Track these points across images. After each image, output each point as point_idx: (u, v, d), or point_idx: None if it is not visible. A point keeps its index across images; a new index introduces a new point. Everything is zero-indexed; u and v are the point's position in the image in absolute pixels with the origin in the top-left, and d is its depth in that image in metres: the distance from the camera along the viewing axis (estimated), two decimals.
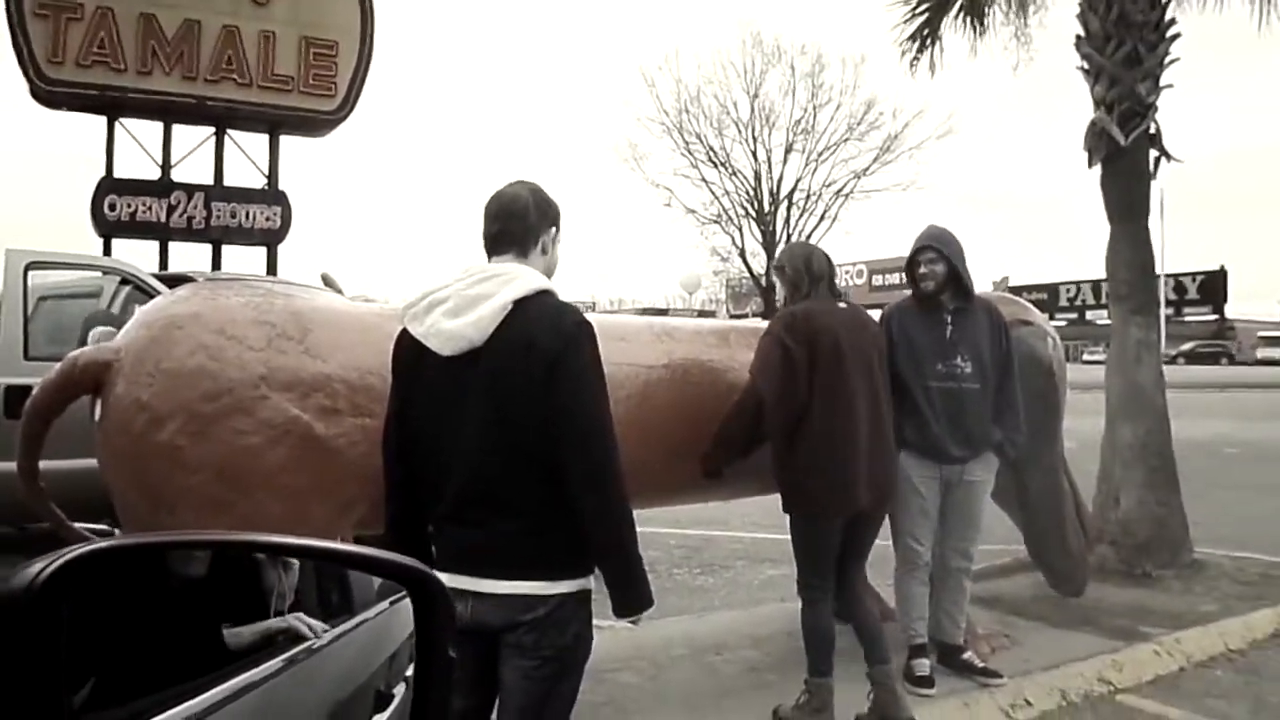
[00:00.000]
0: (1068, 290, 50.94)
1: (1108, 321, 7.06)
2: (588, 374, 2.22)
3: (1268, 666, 4.70)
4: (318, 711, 1.16)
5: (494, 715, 2.34)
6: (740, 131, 30.97)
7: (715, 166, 31.02)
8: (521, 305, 2.21)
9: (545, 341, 2.18)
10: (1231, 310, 57.11)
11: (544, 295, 2.26)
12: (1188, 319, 53.43)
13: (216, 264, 15.37)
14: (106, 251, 14.07)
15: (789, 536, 3.79)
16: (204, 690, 0.98)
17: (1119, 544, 6.28)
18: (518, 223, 2.36)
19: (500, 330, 2.19)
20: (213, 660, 1.03)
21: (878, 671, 3.72)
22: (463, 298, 2.23)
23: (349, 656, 1.25)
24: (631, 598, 2.25)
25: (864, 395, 3.63)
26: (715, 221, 31.63)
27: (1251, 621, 5.23)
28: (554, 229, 2.43)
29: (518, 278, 2.25)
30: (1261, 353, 58.45)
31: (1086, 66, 6.86)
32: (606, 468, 2.20)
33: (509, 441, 2.20)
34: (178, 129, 15.64)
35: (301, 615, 1.15)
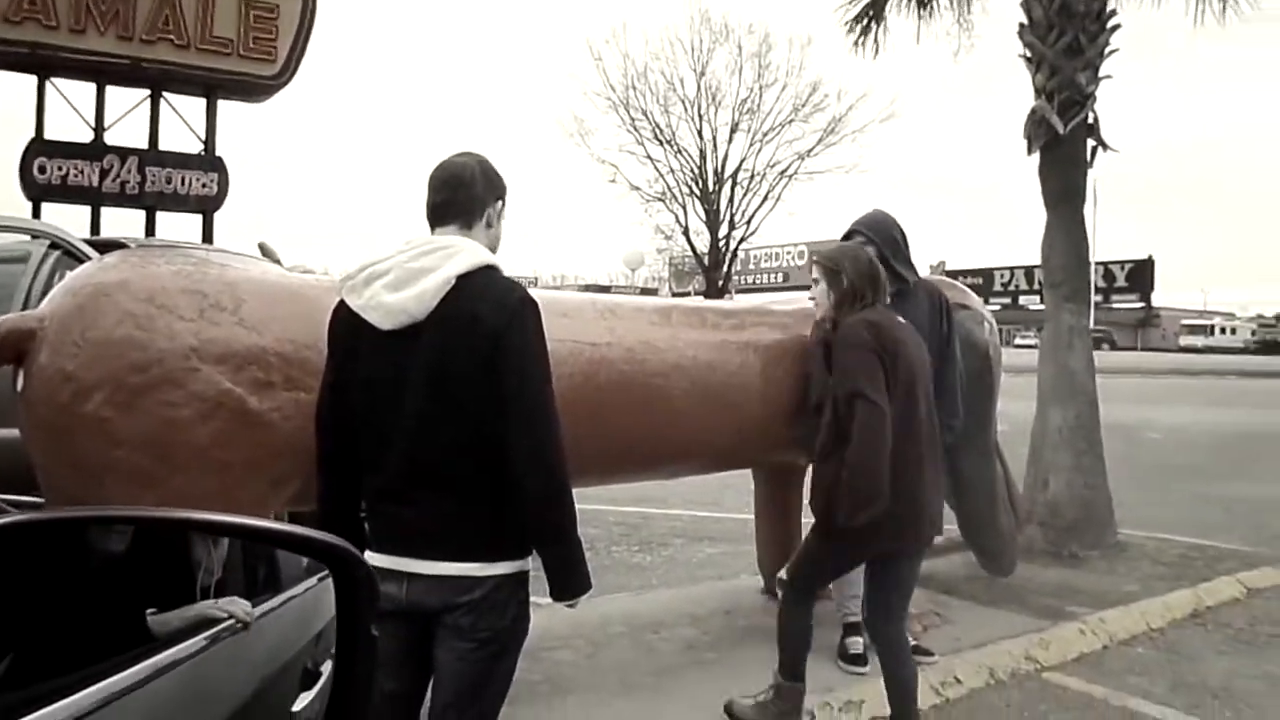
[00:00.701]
0: (1002, 275, 51.93)
1: (1040, 307, 7.20)
2: (531, 351, 2.18)
3: (1186, 645, 4.86)
4: (244, 689, 1.13)
5: (428, 698, 2.32)
6: (686, 109, 30.91)
7: (661, 144, 30.94)
8: (465, 280, 2.16)
9: (489, 318, 2.14)
10: (1158, 299, 58.72)
11: (488, 270, 2.21)
12: (1116, 306, 54.83)
13: (151, 231, 14.97)
14: (36, 215, 13.60)
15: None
16: (125, 668, 0.95)
17: (1047, 525, 6.44)
18: (464, 193, 2.31)
19: (442, 305, 2.14)
20: (136, 638, 1.00)
21: None
22: (405, 270, 2.18)
23: (276, 634, 1.22)
24: (570, 581, 2.23)
25: (927, 422, 3.35)
26: (659, 199, 31.59)
27: (1171, 601, 5.40)
28: (500, 202, 2.38)
29: (461, 251, 2.20)
30: (1184, 340, 60.32)
31: (1028, 55, 6.96)
32: (549, 447, 2.16)
33: (449, 420, 2.16)
34: (112, 90, 15.17)
35: (233, 600, 1.12)
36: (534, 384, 2.17)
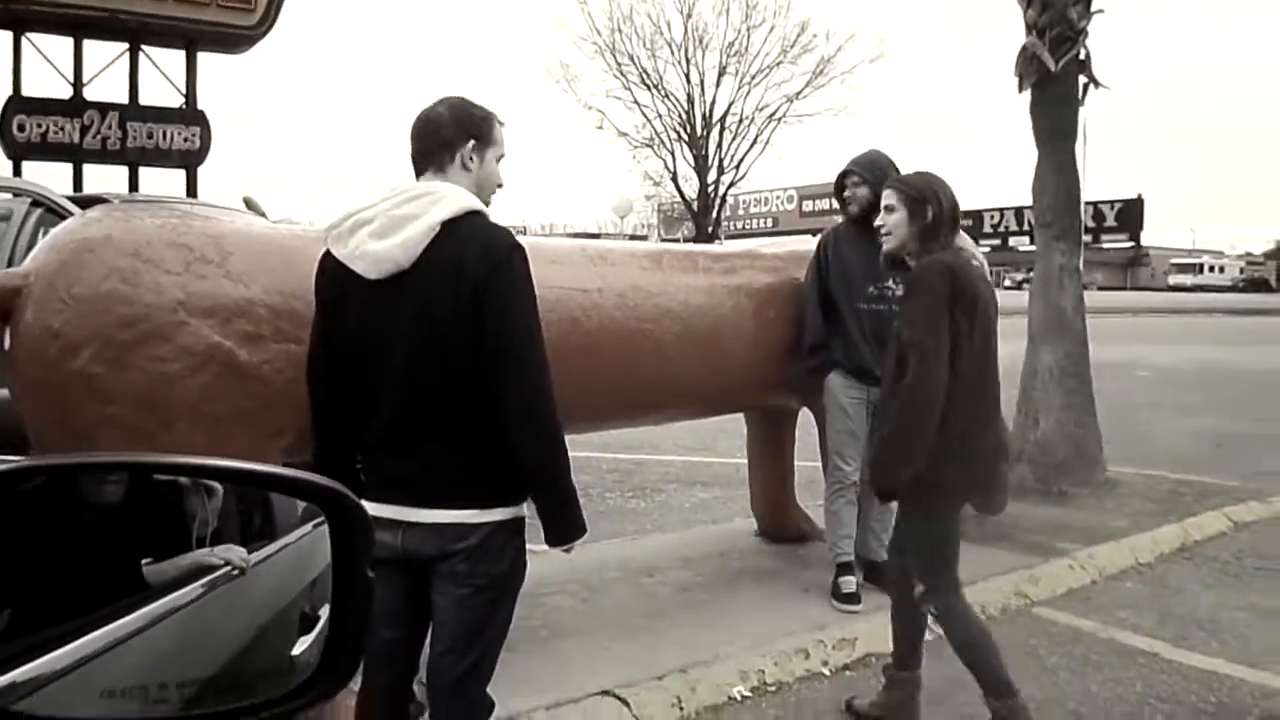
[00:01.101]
0: (992, 217, 51.81)
1: (1030, 249, 7.19)
2: (520, 298, 2.16)
3: (1173, 578, 4.93)
4: (241, 636, 1.14)
5: (427, 645, 2.34)
6: (673, 53, 30.62)
7: (648, 89, 30.69)
8: (450, 226, 2.13)
9: (475, 265, 2.11)
10: (1147, 238, 58.71)
11: (473, 216, 2.18)
12: (1105, 246, 54.80)
13: (134, 186, 14.84)
14: (17, 173, 13.45)
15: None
16: (121, 616, 0.96)
17: (1037, 463, 6.49)
18: (433, 139, 2.27)
19: (428, 252, 2.12)
20: (132, 589, 1.01)
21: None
22: (389, 218, 2.15)
23: (272, 580, 1.23)
24: (565, 527, 2.24)
25: (995, 376, 3.15)
26: (647, 145, 31.39)
27: (1159, 536, 5.47)
28: (473, 141, 2.28)
29: (445, 197, 2.17)
30: (1173, 279, 60.45)
31: None
32: (540, 394, 2.16)
33: (438, 368, 2.15)
34: (89, 45, 14.93)
35: (228, 548, 1.12)
36: (522, 331, 2.15)
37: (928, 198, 3.09)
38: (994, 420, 3.09)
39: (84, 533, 1.04)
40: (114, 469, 1.09)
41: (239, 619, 1.14)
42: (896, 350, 3.06)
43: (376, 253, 2.15)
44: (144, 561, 1.04)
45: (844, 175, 4.35)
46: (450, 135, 2.27)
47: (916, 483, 2.97)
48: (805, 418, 4.90)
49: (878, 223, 3.27)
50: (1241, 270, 65.14)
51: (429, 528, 2.16)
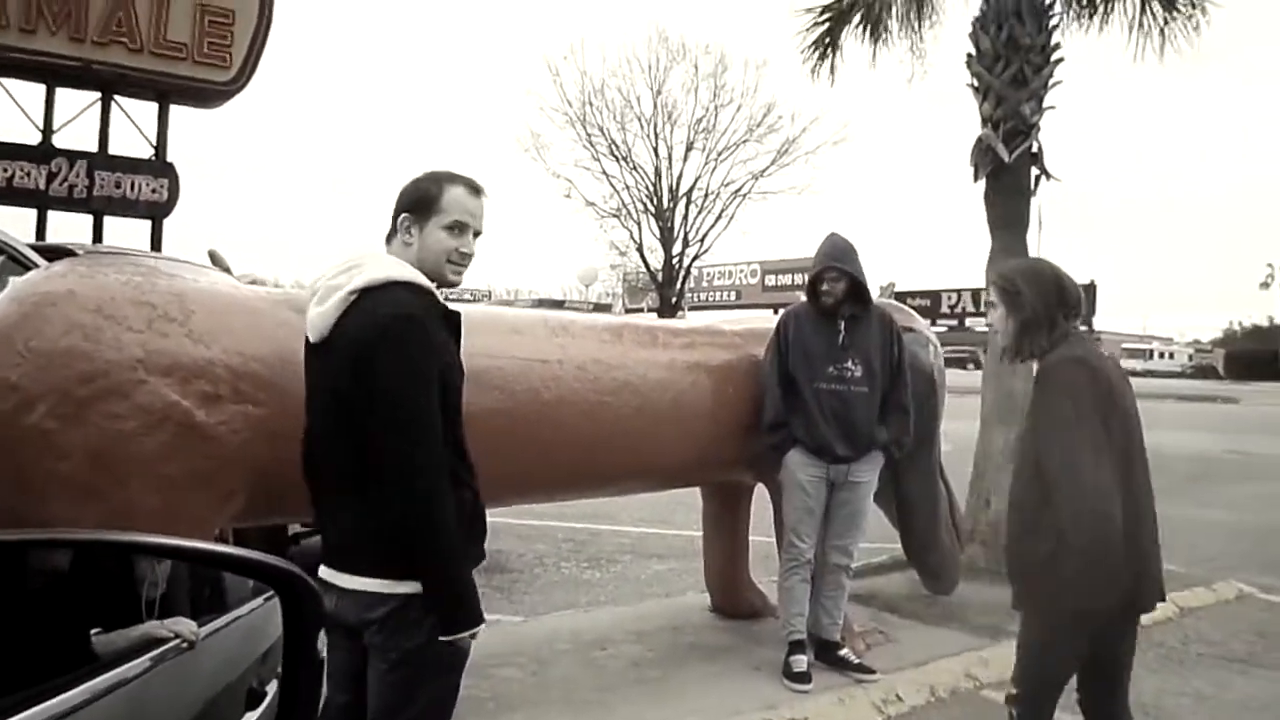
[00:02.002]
0: (949, 298, 52.59)
1: (985, 329, 7.33)
2: (397, 366, 2.13)
3: None
4: (189, 709, 1.14)
5: None
6: (642, 126, 31.03)
7: (616, 160, 31.02)
8: (365, 295, 2.19)
9: (359, 334, 2.17)
10: (1099, 323, 59.95)
11: (391, 286, 2.20)
12: None
13: (99, 236, 14.69)
14: None
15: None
16: (68, 689, 0.96)
17: (989, 544, 6.54)
18: (398, 207, 2.35)
19: (340, 321, 2.21)
20: (80, 659, 1.01)
21: None
22: (325, 287, 2.26)
23: (221, 654, 1.23)
24: (446, 615, 2.11)
25: (1145, 470, 2.87)
26: (614, 215, 31.63)
27: None
28: (405, 215, 2.31)
29: (366, 267, 2.24)
30: (1124, 363, 61.48)
31: (976, 84, 7.11)
32: (411, 465, 2.10)
33: (344, 435, 2.20)
34: (61, 92, 14.88)
35: (178, 620, 1.12)
36: (398, 401, 2.13)
37: (1020, 288, 2.84)
38: (1145, 520, 2.78)
39: (32, 602, 1.04)
40: (65, 546, 1.09)
41: (188, 693, 1.13)
42: (1034, 468, 2.73)
43: (313, 319, 2.27)
44: (93, 632, 1.04)
45: (822, 271, 4.42)
46: (395, 209, 2.35)
47: (1064, 580, 2.64)
48: (761, 493, 4.93)
49: (984, 322, 3.09)
50: (1190, 357, 66.69)
51: (348, 594, 2.17)
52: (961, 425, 7.71)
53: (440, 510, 2.10)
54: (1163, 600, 2.88)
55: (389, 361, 2.13)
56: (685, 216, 31.50)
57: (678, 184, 31.33)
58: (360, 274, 2.22)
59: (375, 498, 2.16)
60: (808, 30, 8.51)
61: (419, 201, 2.32)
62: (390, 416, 2.12)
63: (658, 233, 31.64)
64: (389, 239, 2.34)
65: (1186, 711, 4.30)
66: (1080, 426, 2.60)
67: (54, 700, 0.94)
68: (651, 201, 31.35)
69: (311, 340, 2.27)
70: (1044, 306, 2.80)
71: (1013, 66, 6.86)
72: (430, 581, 2.12)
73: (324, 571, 2.20)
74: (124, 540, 1.14)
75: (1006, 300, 2.88)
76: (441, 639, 2.11)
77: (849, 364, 4.33)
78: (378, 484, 2.15)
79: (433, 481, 2.11)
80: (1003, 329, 2.92)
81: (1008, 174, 6.84)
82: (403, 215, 2.32)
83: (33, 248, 6.33)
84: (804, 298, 4.54)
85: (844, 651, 4.41)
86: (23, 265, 5.44)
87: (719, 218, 31.54)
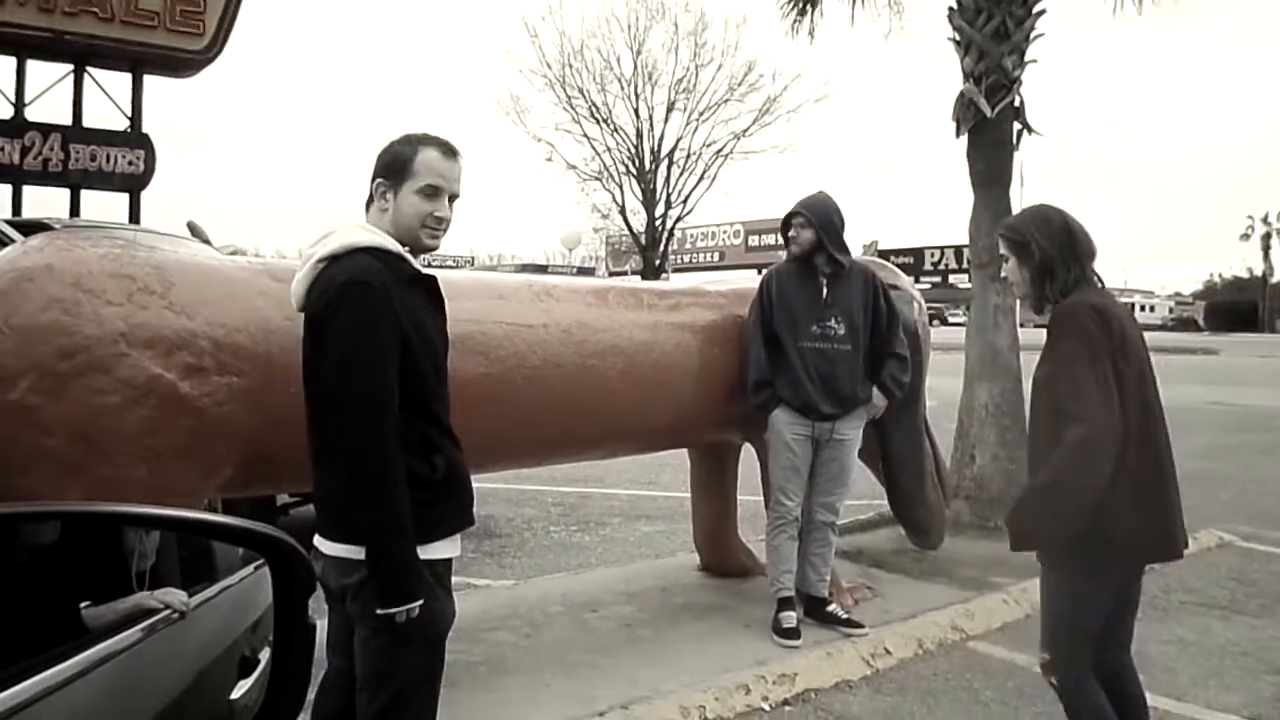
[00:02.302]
0: (932, 255, 52.66)
1: (969, 286, 7.35)
2: (342, 336, 2.13)
3: None
4: (181, 679, 1.15)
5: None
6: (623, 88, 30.86)
7: (597, 122, 30.88)
8: (335, 263, 2.21)
9: (315, 302, 2.22)
10: None
11: (353, 254, 2.20)
12: None
13: (76, 210, 14.55)
14: None
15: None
16: (59, 662, 0.96)
17: (973, 499, 6.61)
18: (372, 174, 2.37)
19: (310, 290, 2.25)
20: (69, 632, 1.01)
21: None
22: (304, 256, 2.30)
23: (213, 622, 1.23)
24: (385, 587, 2.08)
25: (1160, 413, 2.83)
26: (596, 178, 31.53)
27: None
28: (380, 180, 2.31)
29: (333, 235, 2.25)
30: None
31: (957, 38, 7.07)
32: (349, 436, 2.09)
33: (312, 398, 2.24)
34: (33, 65, 14.65)
35: (168, 591, 1.12)
36: (341, 370, 2.12)
37: (1028, 237, 2.81)
38: (1167, 470, 2.76)
39: (19, 576, 1.04)
40: (52, 518, 1.09)
41: (180, 662, 1.14)
42: (1047, 402, 2.73)
43: (293, 287, 2.31)
44: (83, 605, 1.04)
45: (790, 216, 4.45)
46: (372, 174, 2.34)
47: (1077, 540, 2.65)
48: (748, 452, 4.96)
49: (1003, 274, 3.08)
50: (1171, 310, 67.09)
51: (328, 560, 2.19)
52: (945, 382, 7.76)
53: (378, 483, 2.07)
54: (1187, 547, 2.86)
55: (337, 330, 2.14)
56: (667, 178, 31.46)
57: (659, 145, 31.23)
58: (328, 242, 2.23)
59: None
60: None
61: (392, 165, 2.30)
62: (333, 387, 2.13)
63: (640, 195, 31.56)
64: (367, 205, 2.34)
65: (1169, 658, 4.37)
66: (1092, 366, 2.58)
67: (45, 674, 0.95)
68: (633, 163, 31.23)
69: (297, 309, 2.31)
70: (1056, 250, 2.76)
71: (994, 20, 6.82)
72: (369, 554, 2.08)
73: (315, 538, 2.22)
74: (113, 511, 1.15)
75: (1016, 250, 2.85)
76: (378, 612, 2.07)
77: (831, 322, 4.35)
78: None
79: (372, 453, 2.07)
80: (1017, 280, 2.89)
81: (990, 129, 6.82)
82: (378, 180, 2.31)
83: (9, 223, 6.28)
84: (785, 256, 4.56)
85: (832, 607, 4.46)
86: (0, 242, 5.39)
87: (701, 179, 31.53)
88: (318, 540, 2.21)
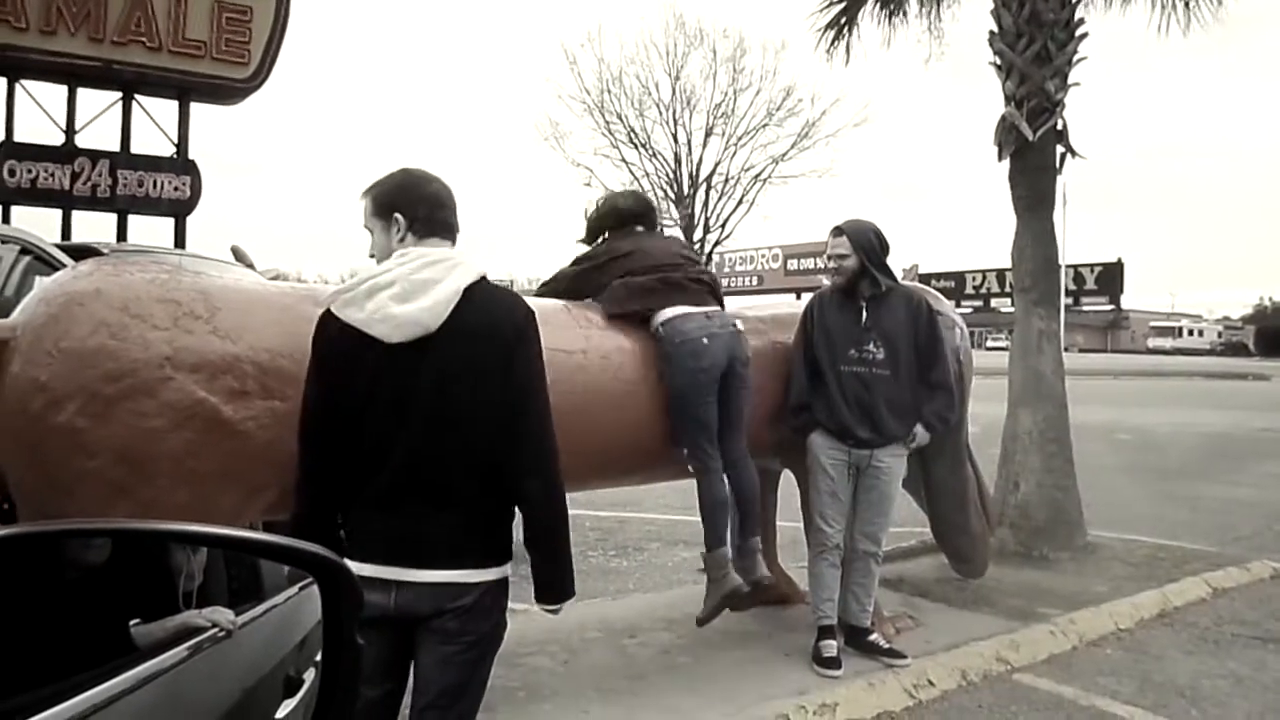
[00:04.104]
0: (974, 279, 52.32)
1: (1012, 310, 7.29)
2: (538, 361, 2.30)
3: (1153, 645, 4.93)
4: (226, 698, 1.15)
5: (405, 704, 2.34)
6: (661, 113, 30.94)
7: (635, 147, 30.95)
8: (470, 291, 2.23)
9: (504, 328, 2.25)
10: (1126, 301, 59.38)
11: (484, 282, 2.30)
12: (1085, 309, 55.33)
13: (122, 235, 14.82)
14: (5, 219, 13.43)
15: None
16: (108, 679, 0.97)
17: (1018, 527, 6.51)
18: (444, 211, 2.38)
19: (453, 316, 2.19)
20: (117, 649, 1.01)
21: None
22: (410, 282, 2.21)
23: (258, 642, 1.24)
24: (558, 583, 2.33)
25: None
26: None
27: (1139, 602, 5.47)
28: (455, 215, 2.47)
29: (462, 263, 2.28)
30: (1152, 342, 61.21)
31: (999, 62, 7.04)
32: (551, 453, 2.29)
33: (454, 428, 2.20)
34: (83, 93, 15.01)
35: (216, 609, 1.13)
36: (539, 392, 2.29)
37: None
38: None
39: (71, 593, 1.05)
40: (103, 535, 1.10)
41: (226, 681, 1.14)
42: None
43: (400, 316, 2.19)
44: (132, 622, 1.05)
45: (832, 234, 4.43)
46: (454, 212, 2.41)
47: None
48: (788, 478, 4.92)
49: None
50: (1220, 334, 65.95)
51: (425, 587, 2.19)
52: (990, 408, 7.66)
53: (564, 492, 2.33)
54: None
55: (529, 355, 2.28)
56: (706, 202, 31.41)
57: (697, 170, 31.23)
58: (461, 270, 2.26)
59: (475, 490, 2.23)
60: (823, 11, 8.47)
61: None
62: (533, 408, 2.27)
63: (678, 219, 31.55)
64: (451, 236, 2.39)
65: (1223, 694, 4.26)
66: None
67: (94, 690, 0.95)
68: (672, 188, 31.27)
69: (396, 339, 2.18)
70: None
71: (1036, 43, 6.78)
72: (551, 558, 2.33)
73: (379, 569, 2.17)
74: (163, 529, 1.15)
75: None
76: (546, 609, 2.36)
77: (870, 346, 4.31)
78: (485, 477, 2.23)
79: (559, 466, 2.31)
80: None
81: (1032, 152, 6.77)
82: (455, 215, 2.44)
83: (58, 248, 6.40)
84: (826, 281, 4.53)
85: (874, 637, 4.39)
86: (50, 265, 5.50)
87: (740, 203, 31.45)
88: (396, 571, 2.18)
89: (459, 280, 2.22)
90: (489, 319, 2.23)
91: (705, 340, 3.85)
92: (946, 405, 4.42)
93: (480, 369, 2.21)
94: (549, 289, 4.14)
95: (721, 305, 4.13)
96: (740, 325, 4.07)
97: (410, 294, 2.19)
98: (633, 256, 4.03)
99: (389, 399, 2.21)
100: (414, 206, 2.35)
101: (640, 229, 4.26)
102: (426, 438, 2.19)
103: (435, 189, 2.39)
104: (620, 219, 4.26)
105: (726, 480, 3.99)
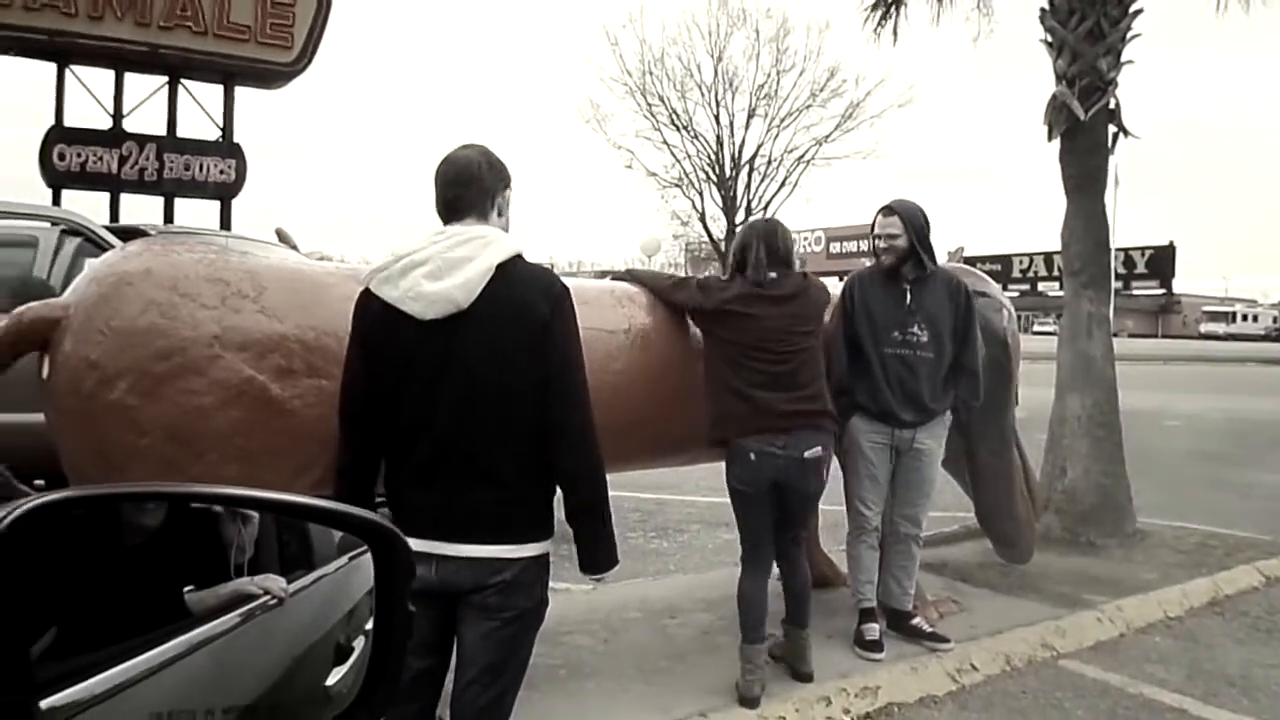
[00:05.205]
0: (1021, 262, 51.61)
1: (1060, 293, 7.17)
2: (573, 338, 2.30)
3: (1203, 633, 4.85)
4: (277, 665, 1.16)
5: (450, 675, 2.36)
6: (703, 95, 30.77)
7: (677, 129, 30.84)
8: (503, 269, 2.23)
9: (538, 305, 2.23)
10: (1178, 285, 58.22)
11: (519, 259, 2.29)
12: (1136, 293, 54.37)
13: (169, 217, 15.08)
14: (56, 202, 13.70)
15: None
16: (162, 642, 0.98)
17: (1064, 513, 6.43)
18: (474, 187, 2.34)
19: (485, 293, 2.19)
20: (171, 615, 1.03)
21: None
22: (444, 260, 2.22)
23: (309, 610, 1.25)
24: (602, 555, 2.34)
25: None
26: (676, 185, 31.49)
27: (1189, 590, 5.38)
28: (507, 190, 2.43)
29: (496, 241, 2.27)
30: (1204, 327, 60.00)
31: (1049, 40, 6.90)
32: (589, 428, 2.29)
33: (490, 404, 2.22)
34: (130, 77, 15.26)
35: (268, 577, 1.14)
36: (575, 368, 2.29)
37: None
38: None
39: (126, 560, 1.06)
40: (159, 499, 1.12)
41: (277, 648, 1.16)
42: None
43: (433, 293, 2.20)
44: (186, 589, 1.06)
45: (883, 212, 4.36)
46: (490, 184, 2.36)
47: None
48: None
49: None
50: (1275, 319, 64.46)
51: (466, 561, 2.21)
52: (1037, 392, 7.55)
53: (603, 465, 2.33)
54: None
55: (564, 330, 2.28)
56: (748, 184, 31.24)
57: (740, 152, 31.05)
58: (495, 247, 2.25)
59: (514, 465, 2.24)
60: None
61: (510, 178, 2.44)
62: (571, 381, 2.28)
63: (720, 201, 31.42)
64: (483, 211, 2.35)
65: (1276, 683, 4.18)
66: None
67: (149, 653, 0.97)
68: (713, 170, 31.13)
69: (429, 316, 2.19)
70: None
71: (1088, 20, 6.63)
72: (592, 529, 2.33)
73: (422, 544, 2.15)
74: (215, 492, 1.16)
75: None
76: (594, 577, 2.38)
77: (914, 329, 4.25)
78: (523, 451, 2.25)
79: (597, 439, 2.32)
80: None
81: (1083, 132, 6.63)
82: (506, 190, 2.42)
83: (109, 229, 6.51)
84: (867, 263, 4.48)
85: (916, 621, 4.36)
86: (99, 246, 5.60)
87: (782, 185, 31.23)
88: (440, 546, 2.20)
89: (492, 258, 2.22)
90: (522, 296, 2.22)
91: (753, 457, 3.66)
92: (972, 391, 4.37)
93: (513, 346, 2.21)
94: (653, 284, 3.98)
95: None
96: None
97: (443, 271, 2.20)
98: (739, 325, 3.70)
99: (424, 376, 2.23)
100: (439, 191, 2.38)
101: (772, 275, 3.76)
102: (461, 414, 2.21)
103: (450, 169, 2.36)
104: (775, 261, 3.79)
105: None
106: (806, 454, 3.61)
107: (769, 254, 3.77)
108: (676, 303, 3.84)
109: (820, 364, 3.82)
